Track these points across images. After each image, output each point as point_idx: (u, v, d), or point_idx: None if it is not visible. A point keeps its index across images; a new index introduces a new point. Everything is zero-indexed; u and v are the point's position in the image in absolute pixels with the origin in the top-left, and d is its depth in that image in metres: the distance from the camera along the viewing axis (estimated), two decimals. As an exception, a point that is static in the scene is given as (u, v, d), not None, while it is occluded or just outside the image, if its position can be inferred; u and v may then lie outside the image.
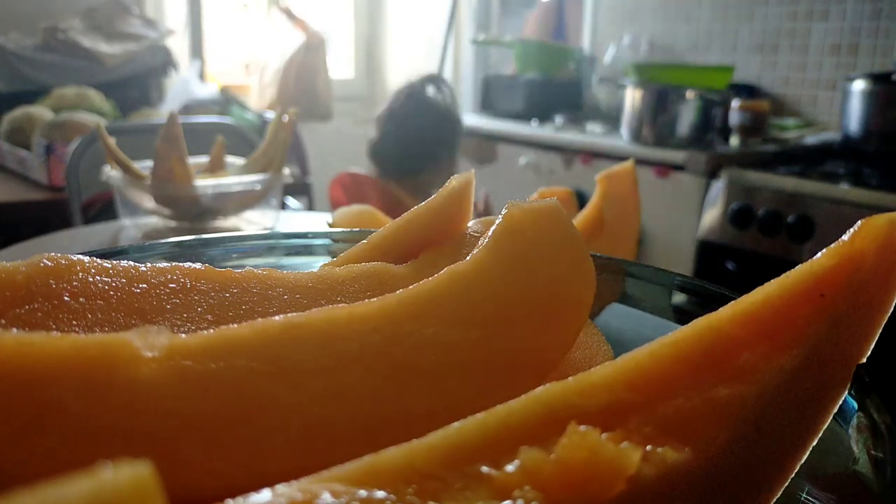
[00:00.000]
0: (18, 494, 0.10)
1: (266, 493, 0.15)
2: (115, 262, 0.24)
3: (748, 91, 1.94)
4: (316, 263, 0.37)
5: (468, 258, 0.23)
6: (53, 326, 0.22)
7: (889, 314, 0.21)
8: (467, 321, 0.22)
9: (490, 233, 0.24)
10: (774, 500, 0.20)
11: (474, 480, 0.17)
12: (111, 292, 0.23)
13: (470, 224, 0.30)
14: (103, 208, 1.32)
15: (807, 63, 1.92)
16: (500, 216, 0.24)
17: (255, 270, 0.26)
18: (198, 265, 0.25)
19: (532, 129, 2.04)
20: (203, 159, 1.03)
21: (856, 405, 0.22)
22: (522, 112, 2.18)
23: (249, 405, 0.19)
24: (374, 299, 0.22)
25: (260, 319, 0.21)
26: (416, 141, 1.41)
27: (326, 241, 0.38)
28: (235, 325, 0.20)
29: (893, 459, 0.20)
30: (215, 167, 1.01)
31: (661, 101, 1.70)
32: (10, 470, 0.17)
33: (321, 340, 0.20)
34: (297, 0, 2.73)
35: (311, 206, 1.87)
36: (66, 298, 0.22)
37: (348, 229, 0.39)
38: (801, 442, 0.20)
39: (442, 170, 1.42)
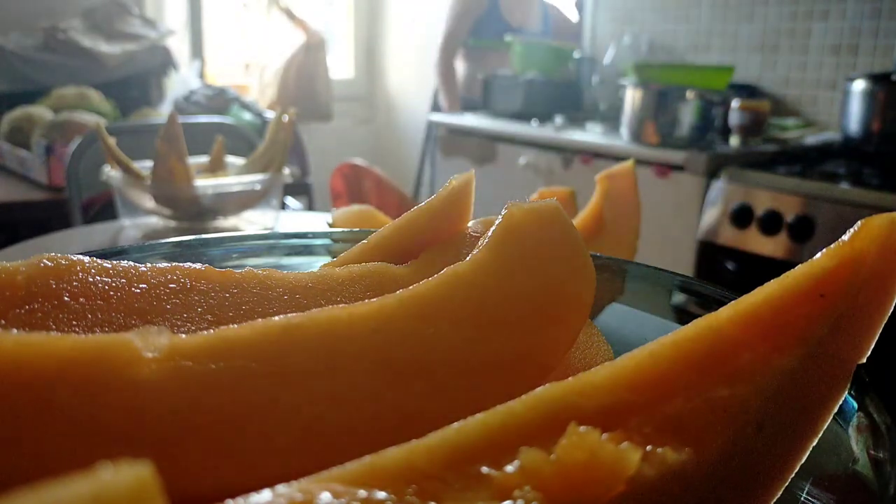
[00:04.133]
0: (18, 494, 0.10)
1: (266, 493, 0.15)
2: (115, 262, 0.24)
3: (748, 91, 1.94)
4: (316, 263, 0.37)
5: (468, 258, 0.23)
6: (53, 327, 0.22)
7: (889, 314, 0.21)
8: (467, 321, 0.22)
9: (490, 233, 0.24)
10: (774, 500, 0.20)
11: (474, 481, 0.17)
12: (111, 292, 0.23)
13: (470, 224, 0.30)
14: (103, 208, 1.32)
15: (807, 63, 1.92)
16: (499, 216, 0.24)
17: (255, 270, 0.26)
18: (198, 265, 0.25)
19: (532, 129, 2.04)
20: (203, 159, 1.03)
21: (856, 405, 0.22)
22: (522, 112, 2.18)
23: (249, 405, 0.19)
24: (374, 299, 0.22)
25: (260, 320, 0.21)
26: None
27: (326, 241, 0.38)
28: (235, 326, 0.20)
29: (893, 459, 0.20)
30: (215, 167, 1.01)
31: (661, 101, 1.70)
32: (10, 470, 0.17)
33: (321, 341, 0.20)
34: (297, 0, 2.73)
35: (311, 206, 1.87)
36: (66, 299, 0.22)
37: (348, 229, 0.39)
38: (801, 442, 0.20)
39: None
